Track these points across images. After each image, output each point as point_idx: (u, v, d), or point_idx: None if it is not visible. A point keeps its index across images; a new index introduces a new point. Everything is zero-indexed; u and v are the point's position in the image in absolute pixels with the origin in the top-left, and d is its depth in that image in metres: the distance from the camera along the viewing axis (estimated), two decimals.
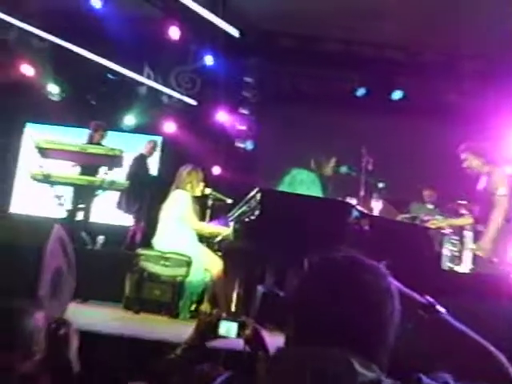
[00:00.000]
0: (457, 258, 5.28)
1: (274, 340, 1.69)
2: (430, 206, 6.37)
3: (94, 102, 8.06)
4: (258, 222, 3.20)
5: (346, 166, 4.77)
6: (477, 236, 4.75)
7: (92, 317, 3.71)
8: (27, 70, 7.50)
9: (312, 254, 1.13)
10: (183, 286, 4.36)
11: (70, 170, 5.61)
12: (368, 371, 0.99)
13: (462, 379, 1.07)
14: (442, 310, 1.23)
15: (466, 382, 1.06)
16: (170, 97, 7.99)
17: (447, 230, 4.85)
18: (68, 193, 5.29)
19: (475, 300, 1.81)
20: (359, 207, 3.64)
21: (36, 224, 4.19)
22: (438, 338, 1.20)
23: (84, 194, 5.40)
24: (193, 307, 4.48)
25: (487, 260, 4.22)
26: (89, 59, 7.24)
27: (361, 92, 7.79)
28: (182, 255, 4.39)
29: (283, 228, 3.14)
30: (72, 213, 5.23)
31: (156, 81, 7.90)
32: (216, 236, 4.66)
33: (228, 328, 1.72)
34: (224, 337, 1.74)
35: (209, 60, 7.57)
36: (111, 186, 5.19)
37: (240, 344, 1.74)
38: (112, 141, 6.46)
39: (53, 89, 7.83)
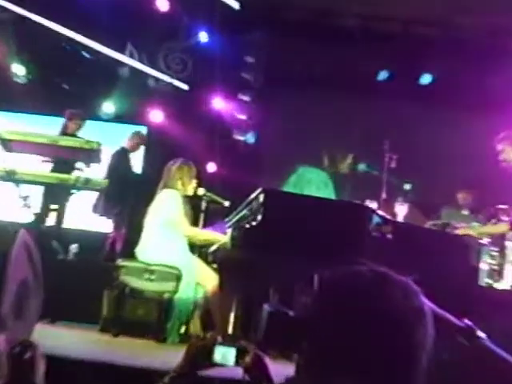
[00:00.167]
0: (496, 273, 5.27)
1: (278, 369, 1.69)
2: (465, 212, 6.36)
3: (66, 86, 8.08)
4: (260, 229, 3.20)
5: (364, 164, 4.80)
6: None
7: (61, 339, 3.72)
8: None
9: (324, 267, 1.13)
10: (171, 303, 4.37)
11: (40, 167, 5.62)
12: None
13: None
14: (482, 335, 1.22)
15: None
16: (156, 80, 8.00)
17: (485, 240, 4.85)
18: (37, 193, 5.30)
19: None
20: (380, 212, 3.65)
21: None
22: (479, 369, 1.19)
23: (56, 194, 5.41)
24: (182, 329, 4.48)
25: None
26: (60, 34, 7.24)
27: (383, 75, 7.81)
28: (170, 267, 4.40)
29: (290, 236, 3.14)
30: (40, 217, 5.24)
31: (140, 61, 7.91)
32: (211, 245, 4.65)
33: (224, 354, 1.72)
34: (220, 364, 1.73)
35: (203, 36, 7.58)
36: (86, 184, 5.17)
37: (238, 373, 1.74)
38: (89, 132, 6.50)
39: (17, 69, 7.79)
